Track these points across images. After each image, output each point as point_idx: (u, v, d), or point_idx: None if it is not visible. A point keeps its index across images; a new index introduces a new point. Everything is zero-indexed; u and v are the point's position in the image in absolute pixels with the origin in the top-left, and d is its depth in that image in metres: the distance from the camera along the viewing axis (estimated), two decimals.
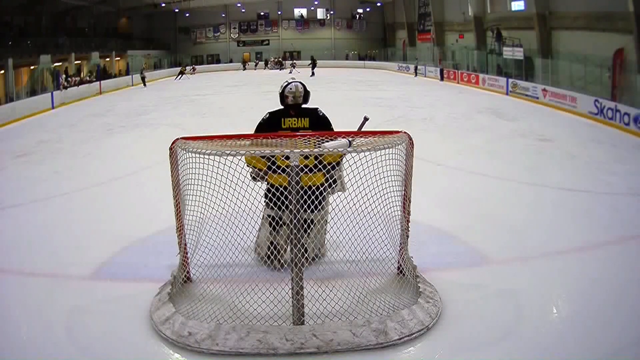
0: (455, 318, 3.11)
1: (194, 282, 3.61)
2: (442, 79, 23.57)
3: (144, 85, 24.70)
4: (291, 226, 3.02)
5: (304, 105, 3.84)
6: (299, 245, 2.98)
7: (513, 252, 4.19)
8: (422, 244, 4.05)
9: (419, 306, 3.12)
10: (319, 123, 3.75)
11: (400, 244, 3.57)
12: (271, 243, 3.63)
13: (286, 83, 3.84)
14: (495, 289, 3.54)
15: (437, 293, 3.32)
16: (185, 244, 3.51)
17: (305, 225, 3.12)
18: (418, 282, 3.40)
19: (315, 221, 3.60)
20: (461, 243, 4.37)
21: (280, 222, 3.51)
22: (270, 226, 3.61)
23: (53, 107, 16.52)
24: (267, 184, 3.61)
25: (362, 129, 3.91)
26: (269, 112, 3.83)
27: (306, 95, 3.84)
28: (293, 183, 3.01)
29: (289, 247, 3.30)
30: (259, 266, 3.81)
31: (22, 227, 5.04)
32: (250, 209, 3.29)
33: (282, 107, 3.84)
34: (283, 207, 3.22)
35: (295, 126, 3.71)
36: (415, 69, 27.59)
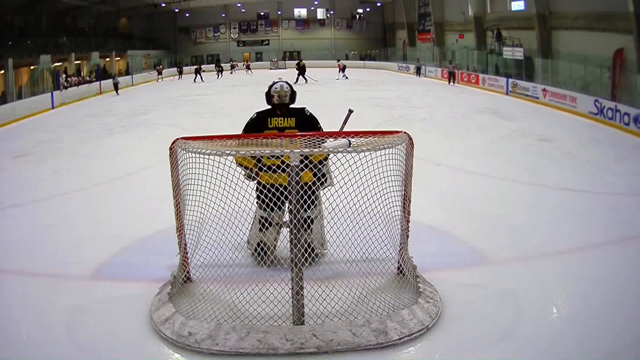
0: (455, 318, 3.11)
1: (194, 282, 3.61)
2: (452, 81, 21.50)
3: (117, 92, 21.00)
4: (291, 226, 3.02)
5: (291, 105, 3.88)
6: (299, 245, 2.98)
7: (513, 252, 4.19)
8: (422, 244, 4.05)
9: (419, 306, 3.12)
10: (306, 123, 3.78)
11: (400, 244, 3.57)
12: (258, 244, 3.80)
13: (272, 83, 3.88)
14: (495, 289, 3.54)
15: (437, 293, 3.32)
16: (185, 244, 3.51)
17: (306, 224, 3.13)
18: (418, 282, 3.40)
19: (313, 218, 3.63)
20: (461, 243, 4.37)
21: (267, 224, 3.61)
22: (260, 225, 3.70)
23: (53, 107, 16.54)
24: (258, 184, 3.67)
25: (347, 122, 4.04)
26: (256, 112, 3.86)
27: (292, 95, 3.85)
28: (293, 183, 3.00)
29: (276, 245, 3.58)
30: (258, 266, 3.82)
31: (22, 227, 5.04)
32: (250, 209, 3.30)
33: (270, 107, 3.86)
34: (271, 206, 3.31)
35: (281, 126, 3.74)
36: (418, 69, 26.75)
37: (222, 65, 31.34)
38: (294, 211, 3.00)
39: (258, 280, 3.34)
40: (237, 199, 3.23)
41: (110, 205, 5.74)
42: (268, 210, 3.50)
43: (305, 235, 3.15)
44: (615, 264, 3.97)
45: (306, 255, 3.04)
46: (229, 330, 2.91)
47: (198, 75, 26.54)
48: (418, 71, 26.80)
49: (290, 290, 3.04)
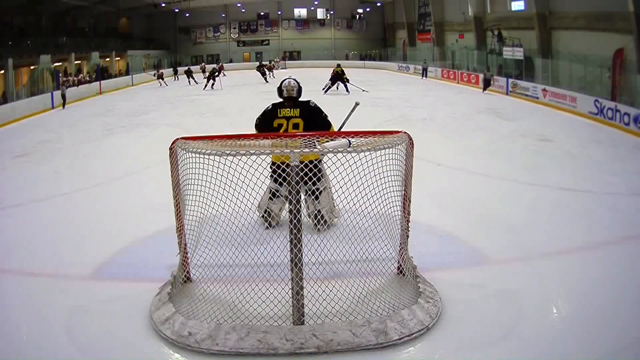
0: (455, 318, 3.12)
1: (194, 282, 3.61)
2: (485, 87, 18.22)
3: (63, 106, 16.51)
4: (291, 226, 3.02)
5: (300, 99, 4.48)
6: (298, 245, 2.99)
7: (513, 252, 4.19)
8: (422, 244, 4.05)
9: (419, 306, 3.12)
10: (310, 112, 4.36)
11: (400, 244, 3.58)
12: (266, 210, 4.48)
13: (283, 79, 4.55)
14: (495, 289, 3.54)
15: (437, 293, 3.32)
16: (185, 244, 3.52)
17: (314, 195, 4.04)
18: (418, 282, 3.40)
19: (321, 190, 4.16)
20: (461, 243, 4.37)
21: (273, 196, 4.39)
22: (270, 194, 4.39)
23: (53, 107, 16.52)
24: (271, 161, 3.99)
25: (352, 114, 4.83)
26: (272, 104, 4.49)
27: (299, 89, 4.48)
28: (293, 183, 3.01)
29: (282, 213, 4.50)
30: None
31: (22, 227, 5.04)
32: (250, 209, 3.30)
33: (281, 99, 4.48)
34: (279, 181, 3.58)
35: (288, 115, 4.34)
36: (424, 70, 25.16)
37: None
38: (294, 211, 3.01)
39: (258, 280, 3.34)
40: (237, 199, 3.23)
41: (110, 205, 5.74)
42: (277, 183, 4.05)
43: (315, 203, 4.25)
44: (615, 264, 3.97)
45: (315, 221, 4.17)
46: (229, 330, 2.91)
47: (161, 79, 23.75)
48: (424, 72, 25.15)
49: (290, 290, 3.04)
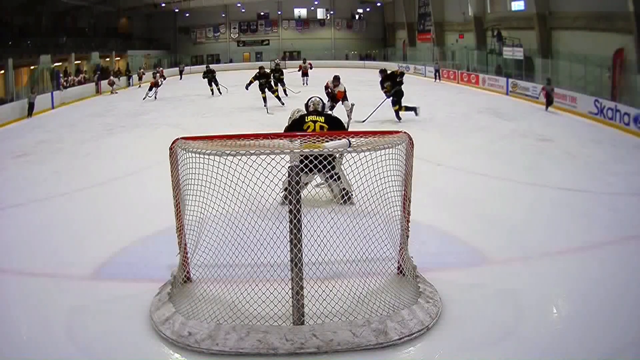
0: (455, 318, 3.12)
1: (194, 282, 3.61)
2: (549, 104, 13.26)
3: (29, 115, 14.37)
4: (291, 226, 3.02)
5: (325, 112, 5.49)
6: (299, 246, 2.99)
7: (513, 252, 4.19)
8: (422, 244, 4.05)
9: (419, 306, 3.12)
10: (332, 121, 5.28)
11: (400, 244, 3.58)
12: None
13: (309, 98, 5.66)
14: (495, 289, 3.55)
15: (437, 293, 3.32)
16: (185, 244, 3.52)
17: (336, 176, 4.61)
18: (418, 282, 3.40)
19: (339, 173, 4.72)
20: (461, 243, 4.37)
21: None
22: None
23: (53, 107, 16.52)
24: None
25: (352, 114, 6.21)
26: (299, 115, 5.47)
27: (323, 105, 5.60)
28: (293, 183, 3.01)
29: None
30: (259, 266, 3.81)
31: (22, 227, 5.04)
32: (250, 208, 3.30)
33: (307, 112, 5.51)
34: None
35: (315, 119, 5.21)
36: (437, 72, 23.27)
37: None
38: (294, 211, 3.01)
39: (258, 280, 3.34)
40: (237, 199, 3.23)
41: (110, 205, 5.74)
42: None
43: (337, 183, 4.93)
44: (615, 264, 3.98)
45: (341, 198, 4.71)
46: (229, 330, 2.91)
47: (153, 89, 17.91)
48: (437, 74, 23.18)
49: (290, 290, 3.04)
